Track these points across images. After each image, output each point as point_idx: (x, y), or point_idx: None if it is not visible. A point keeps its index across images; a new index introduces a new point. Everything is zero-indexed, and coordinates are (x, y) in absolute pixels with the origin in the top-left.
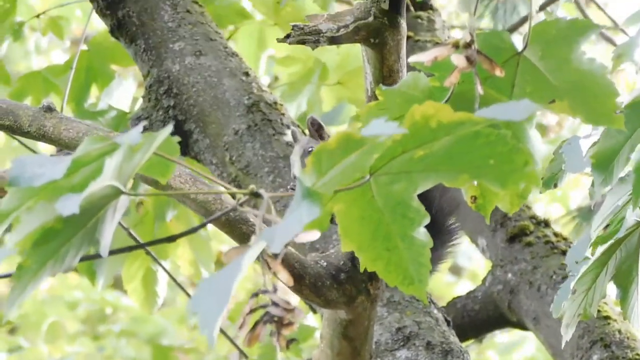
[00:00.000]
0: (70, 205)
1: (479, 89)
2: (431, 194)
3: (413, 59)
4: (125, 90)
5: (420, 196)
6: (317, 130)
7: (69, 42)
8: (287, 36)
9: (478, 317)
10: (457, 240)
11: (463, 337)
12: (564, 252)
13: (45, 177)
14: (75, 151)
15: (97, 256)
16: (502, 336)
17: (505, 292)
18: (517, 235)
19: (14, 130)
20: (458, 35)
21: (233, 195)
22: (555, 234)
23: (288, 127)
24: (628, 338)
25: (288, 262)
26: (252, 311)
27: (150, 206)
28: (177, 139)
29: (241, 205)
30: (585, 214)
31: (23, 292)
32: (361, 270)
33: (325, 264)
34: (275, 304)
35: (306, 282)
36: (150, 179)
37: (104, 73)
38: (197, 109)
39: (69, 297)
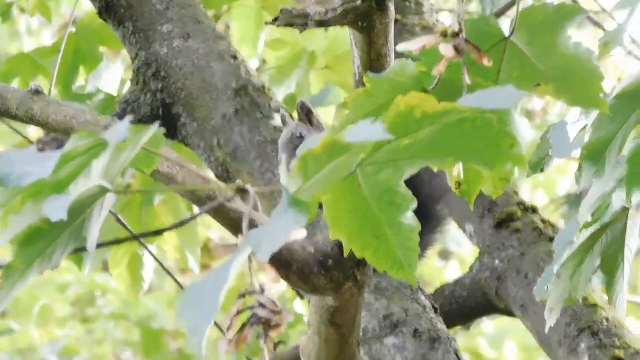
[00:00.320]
0: (58, 210)
1: (467, 79)
2: (420, 181)
3: (401, 47)
4: (113, 73)
5: (408, 183)
6: (306, 115)
7: (58, 24)
8: (276, 19)
9: (466, 304)
10: (445, 226)
11: (451, 324)
12: (551, 239)
13: (33, 176)
14: (65, 146)
15: (84, 250)
16: (491, 324)
17: (492, 279)
18: (505, 222)
19: (1, 113)
20: (446, 19)
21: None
22: (543, 221)
23: (276, 112)
24: (616, 326)
25: None
26: (239, 313)
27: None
28: (162, 130)
29: (229, 200)
30: (573, 201)
31: (11, 291)
32: (345, 256)
33: (312, 250)
34: (262, 305)
35: (293, 269)
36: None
37: (92, 56)
38: (185, 92)
39: (60, 279)
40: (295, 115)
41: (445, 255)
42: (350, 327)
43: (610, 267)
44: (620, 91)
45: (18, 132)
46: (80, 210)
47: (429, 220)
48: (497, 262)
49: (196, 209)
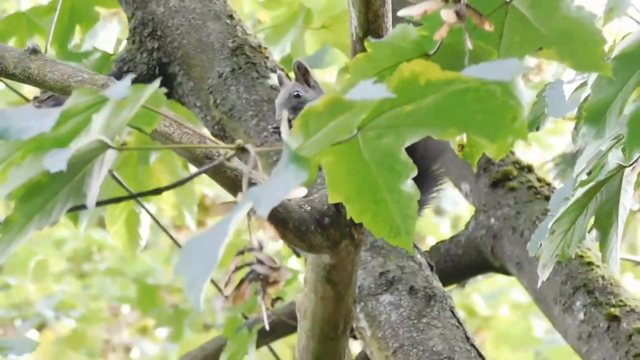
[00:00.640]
0: (58, 161)
1: (469, 44)
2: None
3: (403, 12)
4: (109, 32)
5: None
6: (303, 75)
7: None
8: None
9: (461, 262)
10: (441, 185)
11: (446, 282)
12: (547, 198)
13: (33, 130)
14: (64, 102)
15: (83, 207)
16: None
17: (488, 237)
18: (501, 180)
19: None
20: None
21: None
22: (539, 179)
23: (272, 71)
24: (611, 284)
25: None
26: (237, 269)
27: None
28: (163, 90)
29: (228, 159)
30: (568, 160)
31: (10, 245)
32: (348, 217)
33: (309, 208)
34: (260, 262)
35: (290, 227)
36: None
37: (88, 15)
38: (182, 51)
39: (57, 234)
40: (292, 74)
41: (439, 211)
42: (346, 285)
43: (604, 224)
44: (619, 53)
45: (14, 89)
46: (80, 166)
47: (425, 179)
48: (492, 220)
49: (192, 167)
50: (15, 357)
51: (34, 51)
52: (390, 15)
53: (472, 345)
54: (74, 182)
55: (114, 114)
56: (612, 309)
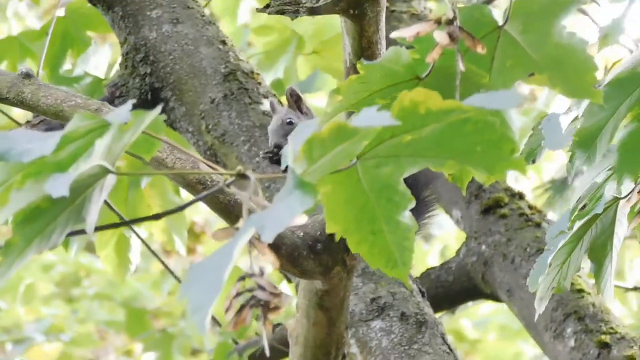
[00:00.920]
0: (59, 186)
1: (461, 66)
2: None
3: (395, 34)
4: (101, 57)
5: None
6: (295, 102)
7: (42, 9)
8: (267, 6)
9: (452, 289)
10: (432, 211)
11: (437, 308)
12: (538, 225)
13: (34, 153)
14: (57, 127)
15: (82, 232)
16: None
17: (479, 263)
18: (492, 207)
19: None
20: (433, 6)
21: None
22: (530, 207)
23: (265, 97)
24: (602, 311)
25: None
26: (238, 294)
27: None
28: (163, 117)
29: (228, 185)
30: (557, 187)
31: (9, 269)
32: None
33: (302, 234)
34: (262, 287)
35: (282, 252)
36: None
37: (80, 40)
38: (174, 76)
39: (44, 259)
40: (284, 100)
41: (427, 238)
42: (339, 311)
43: (599, 255)
44: (612, 79)
45: (4, 112)
46: (80, 190)
47: (416, 206)
48: (483, 247)
49: (184, 192)
50: None
51: (28, 75)
52: (384, 42)
53: None
54: (74, 207)
55: (115, 139)
56: (603, 336)
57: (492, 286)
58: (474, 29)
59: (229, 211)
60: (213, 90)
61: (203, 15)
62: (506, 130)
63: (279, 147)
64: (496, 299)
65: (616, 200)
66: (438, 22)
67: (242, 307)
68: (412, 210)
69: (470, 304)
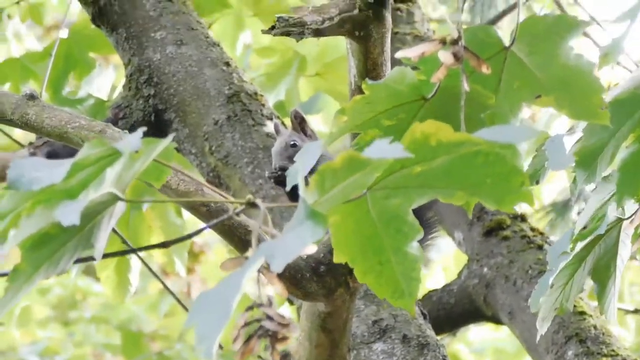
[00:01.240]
0: (70, 214)
1: (465, 86)
2: None
3: (400, 54)
4: (104, 79)
5: None
6: (299, 123)
7: (41, 30)
8: (272, 27)
9: (453, 311)
10: (435, 234)
11: (438, 331)
12: (540, 247)
13: (44, 181)
14: (59, 148)
15: (91, 259)
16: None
17: (481, 286)
18: (494, 229)
19: None
20: (437, 28)
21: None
22: (532, 229)
23: (268, 118)
24: (603, 334)
25: None
26: (246, 324)
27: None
28: (174, 145)
29: (237, 214)
30: (559, 209)
31: (17, 294)
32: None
33: (305, 256)
34: (270, 317)
35: (285, 274)
36: None
37: (83, 61)
38: (178, 98)
39: (42, 282)
40: (287, 122)
41: (425, 263)
42: (341, 333)
43: (602, 276)
44: (613, 99)
45: (6, 134)
46: (90, 217)
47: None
48: (485, 269)
49: (185, 213)
50: None
51: (32, 97)
52: (389, 64)
53: None
54: (83, 233)
55: (126, 167)
56: (604, 359)
57: (494, 308)
58: (479, 50)
59: (232, 233)
60: (217, 112)
61: (207, 37)
62: (516, 163)
63: (283, 169)
64: (497, 321)
65: (619, 221)
66: (443, 42)
67: (250, 337)
68: None
69: (471, 326)
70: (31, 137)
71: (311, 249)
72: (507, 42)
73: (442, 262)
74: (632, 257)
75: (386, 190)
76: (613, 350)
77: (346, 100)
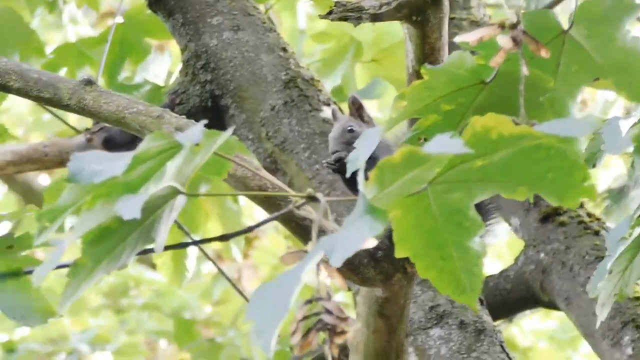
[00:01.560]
0: (131, 208)
1: (525, 70)
2: None
3: (458, 38)
4: (161, 65)
5: None
6: (357, 110)
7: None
8: (330, 12)
9: (510, 297)
10: (493, 220)
11: (495, 317)
12: (596, 233)
13: (105, 174)
14: (116, 134)
15: (150, 251)
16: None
17: (537, 271)
18: (550, 215)
19: (53, 102)
20: (493, 13)
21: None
22: (589, 214)
23: (325, 104)
24: None
25: None
26: (305, 318)
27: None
28: (235, 138)
29: (298, 207)
30: (615, 196)
31: (78, 289)
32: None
33: None
34: (328, 311)
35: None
36: None
37: (138, 46)
38: (234, 84)
39: None
40: (345, 108)
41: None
42: (399, 318)
43: None
44: None
45: (62, 119)
46: (150, 211)
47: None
48: (542, 255)
49: (242, 199)
50: None
51: (89, 82)
52: (446, 48)
53: None
54: (143, 227)
55: (187, 160)
56: None
57: (550, 294)
58: (538, 34)
59: (290, 219)
60: (273, 98)
61: (264, 23)
62: (578, 158)
63: (339, 159)
64: (554, 307)
65: None
66: (502, 26)
67: (308, 331)
68: None
69: (527, 312)
70: (86, 123)
71: (370, 243)
72: (565, 25)
73: (496, 248)
74: None
75: (447, 184)
76: None
77: (403, 86)
